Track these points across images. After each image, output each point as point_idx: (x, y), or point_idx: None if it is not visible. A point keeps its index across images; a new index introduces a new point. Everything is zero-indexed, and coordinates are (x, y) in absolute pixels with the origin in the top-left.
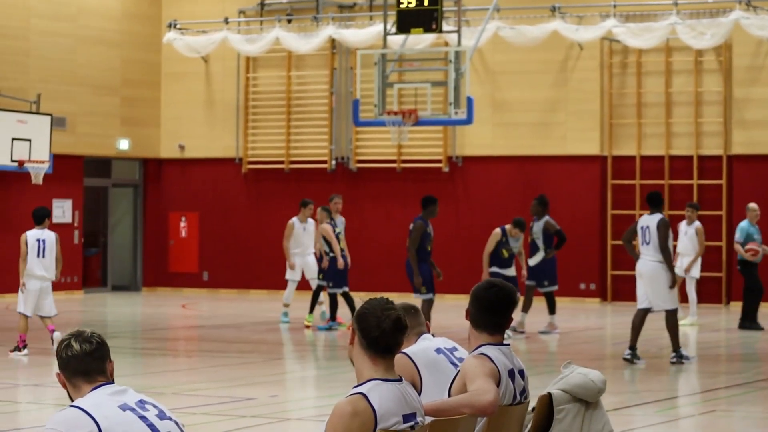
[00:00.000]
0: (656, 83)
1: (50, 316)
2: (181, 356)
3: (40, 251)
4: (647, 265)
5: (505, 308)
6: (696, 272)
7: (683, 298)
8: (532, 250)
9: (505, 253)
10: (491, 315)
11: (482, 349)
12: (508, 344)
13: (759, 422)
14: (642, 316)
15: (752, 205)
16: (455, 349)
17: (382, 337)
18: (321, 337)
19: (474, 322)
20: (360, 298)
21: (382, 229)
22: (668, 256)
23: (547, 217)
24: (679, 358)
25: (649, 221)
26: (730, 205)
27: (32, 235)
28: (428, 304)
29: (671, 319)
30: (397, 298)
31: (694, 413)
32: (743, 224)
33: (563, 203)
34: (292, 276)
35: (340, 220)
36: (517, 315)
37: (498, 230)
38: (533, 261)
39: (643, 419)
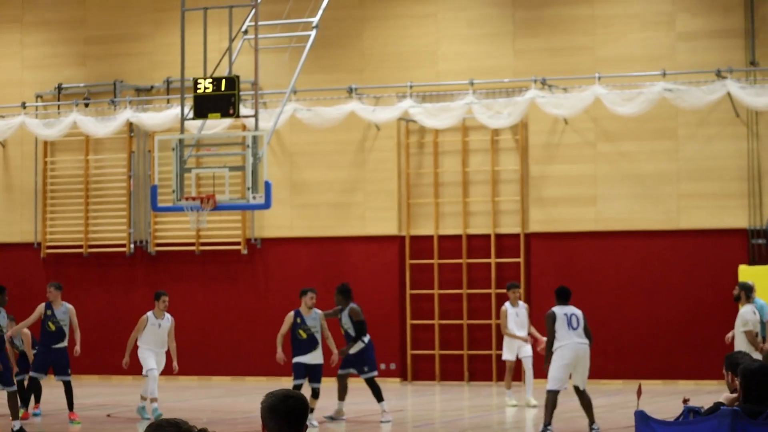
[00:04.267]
0: (453, 162)
1: None
2: None
3: None
4: (582, 348)
5: (304, 417)
6: (530, 350)
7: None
8: (347, 339)
9: (303, 334)
10: (294, 426)
11: None
12: None
13: None
14: (555, 396)
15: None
16: None
17: None
18: (124, 427)
19: None
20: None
21: (183, 313)
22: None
23: (352, 305)
24: (597, 430)
25: (572, 310)
26: (528, 283)
27: None
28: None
29: (586, 396)
30: (197, 381)
31: None
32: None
33: (363, 283)
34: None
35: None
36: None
37: (291, 313)
38: (354, 350)
39: None
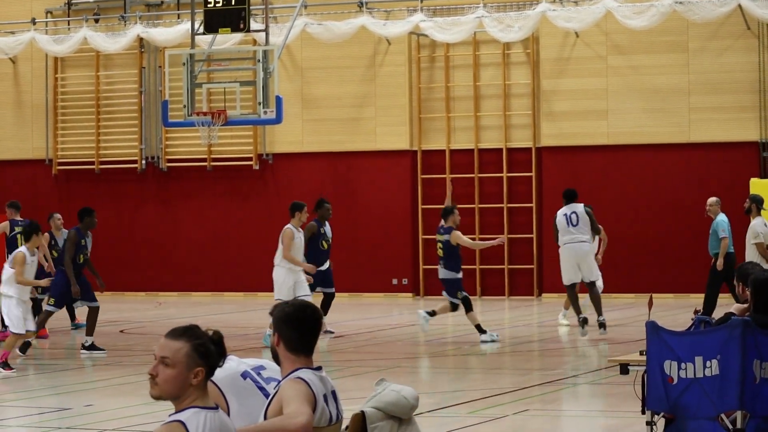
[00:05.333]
0: (464, 77)
1: None
2: None
3: None
4: (578, 245)
5: (319, 328)
6: None
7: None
8: (324, 256)
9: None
10: (309, 337)
11: (299, 373)
12: (320, 367)
13: (571, 420)
14: (571, 289)
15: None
16: (262, 368)
17: (216, 365)
18: (138, 342)
19: (290, 345)
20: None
21: (194, 229)
22: (598, 232)
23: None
24: (604, 323)
25: (573, 208)
26: (540, 197)
27: None
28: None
29: (595, 291)
30: (210, 297)
31: (508, 413)
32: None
33: (374, 199)
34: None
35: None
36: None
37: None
38: (325, 267)
39: (456, 421)
